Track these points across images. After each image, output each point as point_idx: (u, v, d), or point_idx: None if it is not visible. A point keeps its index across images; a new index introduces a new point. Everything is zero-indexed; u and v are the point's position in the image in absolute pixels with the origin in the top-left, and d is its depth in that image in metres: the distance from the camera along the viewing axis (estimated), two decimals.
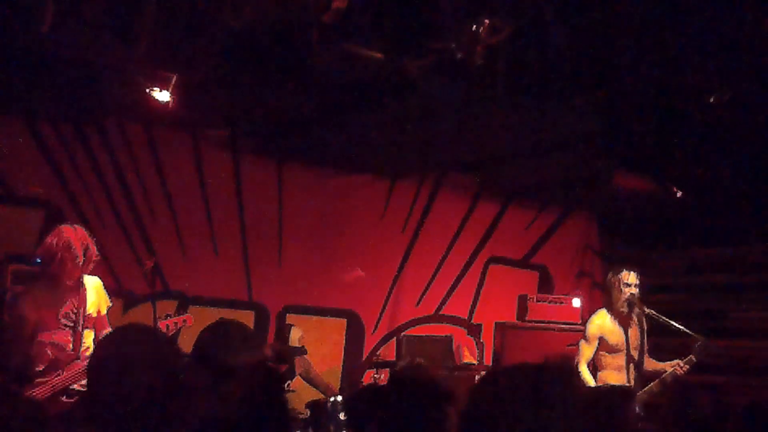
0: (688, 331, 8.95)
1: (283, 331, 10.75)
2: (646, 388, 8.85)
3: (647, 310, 9.12)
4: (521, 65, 7.60)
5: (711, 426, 5.15)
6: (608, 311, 9.27)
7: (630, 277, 9.15)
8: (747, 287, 11.90)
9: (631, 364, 9.07)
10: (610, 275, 9.37)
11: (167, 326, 8.03)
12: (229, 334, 3.66)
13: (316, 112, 9.28)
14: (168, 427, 2.39)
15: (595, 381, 9.05)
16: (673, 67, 7.77)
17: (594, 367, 9.31)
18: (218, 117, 10.10)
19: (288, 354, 10.18)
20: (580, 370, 9.12)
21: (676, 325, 8.97)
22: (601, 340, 9.18)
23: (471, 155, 10.99)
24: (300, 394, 10.19)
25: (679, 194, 10.79)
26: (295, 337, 10.50)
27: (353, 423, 4.92)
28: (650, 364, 9.21)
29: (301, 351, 10.31)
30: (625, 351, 9.08)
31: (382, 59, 7.33)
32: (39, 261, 8.25)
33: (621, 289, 9.15)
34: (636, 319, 9.19)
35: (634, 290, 9.12)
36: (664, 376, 8.88)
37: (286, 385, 9.55)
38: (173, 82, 7.97)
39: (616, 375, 9.09)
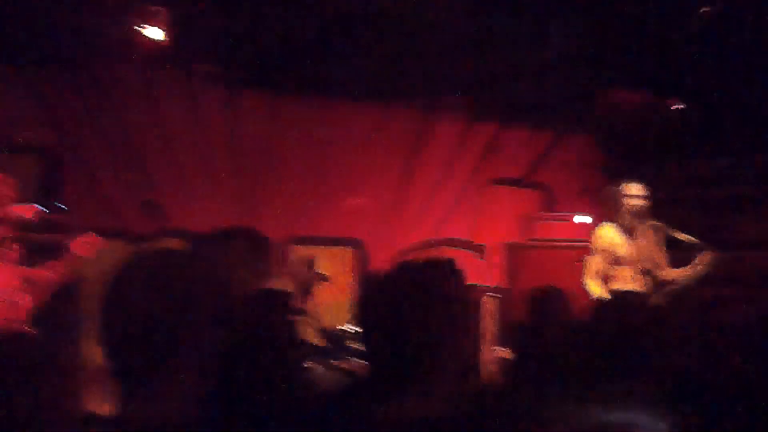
0: (692, 239, 8.95)
1: (304, 262, 10.74)
2: (663, 291, 8.87)
3: (653, 222, 9.11)
4: None
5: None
6: (612, 224, 9.26)
7: (631, 189, 9.12)
8: (750, 199, 11.86)
9: (642, 275, 9.06)
10: (607, 188, 9.34)
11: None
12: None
13: (307, 40, 9.21)
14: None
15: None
16: None
17: (604, 281, 9.31)
18: (209, 52, 10.02)
19: (312, 281, 10.20)
20: (587, 282, 9.14)
21: (682, 235, 8.97)
22: (606, 252, 9.17)
23: (465, 76, 10.92)
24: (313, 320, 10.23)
25: (677, 107, 10.75)
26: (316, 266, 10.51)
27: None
28: (668, 273, 9.19)
29: (323, 277, 10.30)
30: (633, 263, 9.08)
31: None
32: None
33: (621, 201, 9.13)
34: (644, 231, 9.17)
35: (637, 201, 9.09)
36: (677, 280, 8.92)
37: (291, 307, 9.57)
38: (164, 17, 7.90)
39: (625, 287, 9.08)
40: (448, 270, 2.89)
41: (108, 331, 2.36)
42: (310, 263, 9.92)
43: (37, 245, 8.37)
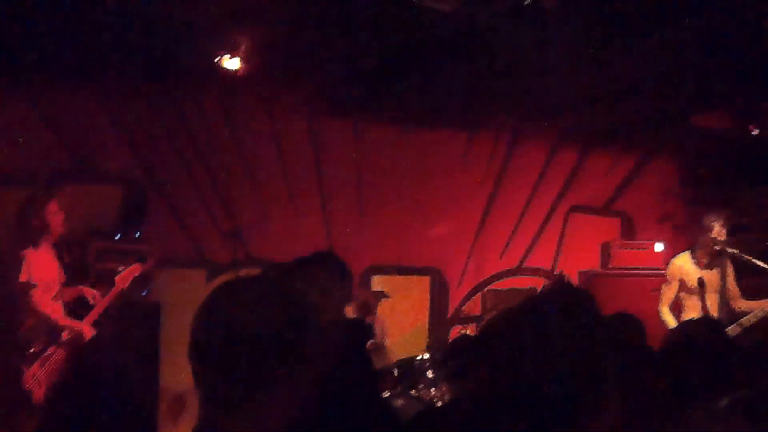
0: None
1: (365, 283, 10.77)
2: (735, 324, 8.76)
3: (731, 250, 9.03)
4: (594, 5, 7.48)
5: None
6: (690, 254, 9.22)
7: (717, 229, 9.06)
8: None
9: (715, 305, 9.00)
10: (703, 220, 9.24)
11: (124, 279, 8.37)
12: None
13: (388, 68, 9.22)
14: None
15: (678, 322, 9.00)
16: (752, 2, 7.61)
17: (678, 310, 9.28)
18: (291, 79, 10.07)
19: (373, 300, 10.21)
20: (661, 310, 9.12)
21: (761, 263, 8.88)
22: (681, 281, 9.15)
23: (547, 103, 10.87)
24: (389, 352, 10.22)
25: (755, 132, 10.64)
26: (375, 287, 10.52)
27: (451, 372, 4.90)
28: (743, 304, 9.11)
29: (383, 295, 10.29)
30: (706, 293, 9.01)
31: (451, 10, 7.26)
32: (119, 237, 8.54)
33: (708, 240, 9.08)
34: (722, 260, 9.09)
35: (720, 244, 9.03)
36: (755, 312, 8.79)
37: (370, 338, 9.58)
38: (243, 46, 7.96)
39: (697, 316, 9.02)
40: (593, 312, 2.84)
41: (201, 360, 2.36)
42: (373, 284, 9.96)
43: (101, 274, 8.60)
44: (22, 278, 7.68)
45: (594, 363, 2.60)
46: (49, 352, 7.68)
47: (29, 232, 7.85)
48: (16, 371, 7.57)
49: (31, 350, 7.63)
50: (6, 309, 7.87)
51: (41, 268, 7.80)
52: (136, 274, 8.62)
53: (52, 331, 7.76)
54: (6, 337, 7.79)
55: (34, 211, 7.87)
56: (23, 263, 7.72)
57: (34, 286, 7.69)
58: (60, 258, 8.11)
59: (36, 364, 7.58)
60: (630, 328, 4.51)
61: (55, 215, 7.92)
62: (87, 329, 7.94)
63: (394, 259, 11.59)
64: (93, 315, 8.08)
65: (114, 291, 8.32)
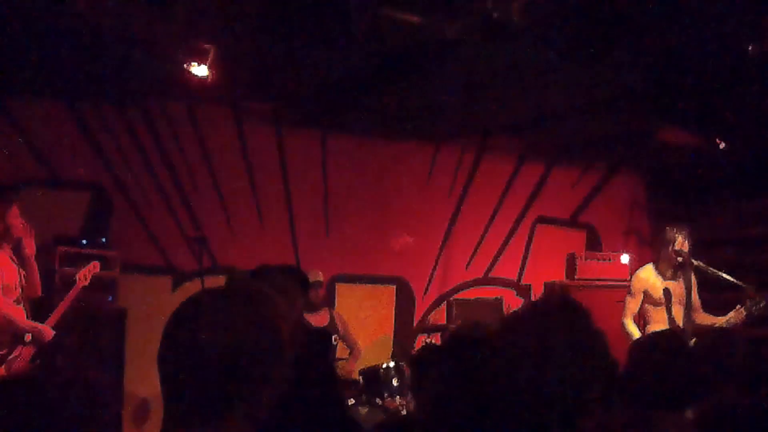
0: (737, 282, 8.89)
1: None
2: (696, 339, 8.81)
3: (695, 262, 9.08)
4: (562, 22, 7.52)
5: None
6: (654, 266, 9.27)
7: (680, 241, 9.10)
8: None
9: (680, 317, 9.04)
10: (665, 232, 9.29)
11: (84, 276, 8.41)
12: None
13: (356, 80, 9.25)
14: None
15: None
16: (713, 19, 7.67)
17: (643, 322, 9.33)
18: (258, 89, 10.08)
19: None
20: (625, 323, 9.17)
21: (725, 276, 8.93)
22: (646, 293, 9.19)
23: (514, 116, 10.92)
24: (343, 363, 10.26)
25: (722, 146, 10.70)
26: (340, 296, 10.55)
27: (415, 382, 4.92)
28: (704, 318, 9.16)
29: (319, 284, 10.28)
30: (670, 305, 9.06)
31: (419, 23, 7.29)
32: (85, 242, 8.56)
33: (670, 252, 9.12)
34: (683, 274, 9.14)
35: (683, 256, 9.08)
36: (717, 326, 8.84)
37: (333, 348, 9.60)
38: (211, 54, 7.96)
39: (662, 328, 9.07)
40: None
41: (170, 368, 2.37)
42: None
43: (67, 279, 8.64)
44: None
45: (581, 383, 2.65)
46: (14, 354, 7.71)
47: None
48: None
49: None
50: None
51: (1, 272, 7.76)
52: (96, 272, 8.63)
53: (15, 333, 7.77)
54: None
55: None
56: None
57: None
58: (19, 263, 8.02)
59: (2, 368, 7.60)
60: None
61: (15, 219, 7.88)
62: (47, 330, 7.93)
63: (360, 269, 11.61)
64: (55, 315, 8.10)
65: (75, 289, 8.34)
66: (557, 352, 2.67)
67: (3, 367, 7.62)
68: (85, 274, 8.47)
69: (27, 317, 7.98)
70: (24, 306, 8.00)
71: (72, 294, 8.32)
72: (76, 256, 9.15)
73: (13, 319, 7.77)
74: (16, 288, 7.93)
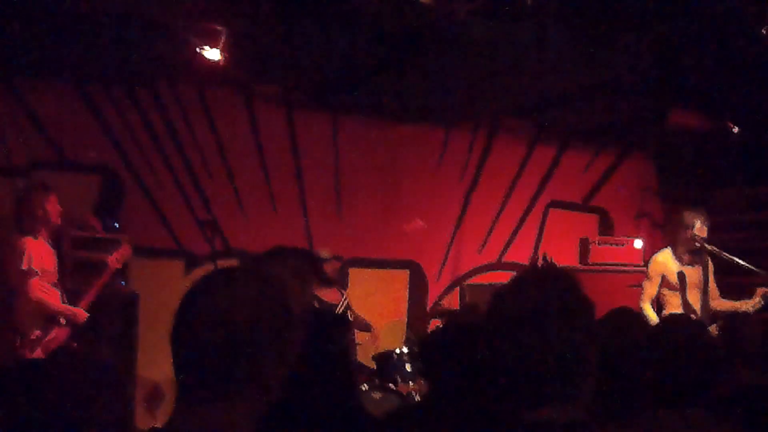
0: (752, 267, 8.85)
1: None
2: (715, 324, 8.76)
3: (709, 247, 9.02)
4: (574, 4, 7.49)
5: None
6: (672, 250, 9.21)
7: (691, 215, 9.05)
8: None
9: (698, 303, 9.00)
10: (683, 216, 9.22)
11: (117, 259, 8.61)
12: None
13: (367, 61, 9.22)
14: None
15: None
16: (726, 1, 7.63)
17: (659, 307, 9.27)
18: (270, 72, 10.06)
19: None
20: (642, 307, 9.12)
21: (738, 261, 8.89)
22: (663, 278, 9.13)
23: (525, 99, 10.89)
24: (365, 346, 10.23)
25: (735, 130, 10.66)
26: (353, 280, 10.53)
27: (427, 367, 4.92)
28: (721, 304, 9.11)
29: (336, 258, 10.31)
30: (686, 290, 9.01)
31: (429, 4, 7.25)
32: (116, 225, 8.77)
33: (687, 235, 9.06)
34: (700, 258, 9.10)
35: (697, 228, 9.02)
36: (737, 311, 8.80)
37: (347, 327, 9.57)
38: (223, 38, 7.94)
39: (677, 312, 9.03)
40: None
41: (181, 349, 2.37)
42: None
43: (87, 262, 8.76)
44: (24, 266, 7.88)
45: (579, 345, 2.64)
46: (50, 336, 7.96)
47: (30, 222, 8.08)
48: (18, 355, 7.85)
49: (33, 336, 7.89)
50: (3, 296, 8.14)
51: (41, 257, 8.02)
52: (128, 255, 8.80)
53: (50, 316, 8.03)
54: (5, 323, 8.04)
55: (37, 203, 8.10)
56: (24, 252, 7.92)
57: (36, 273, 7.91)
58: (56, 247, 8.35)
59: (38, 350, 7.85)
60: (631, 322, 4.51)
61: (53, 207, 8.17)
62: (81, 313, 8.18)
63: (373, 252, 11.60)
64: (88, 297, 8.32)
65: (108, 272, 8.54)
66: (551, 317, 2.66)
67: (40, 348, 7.87)
68: (117, 257, 8.64)
69: (62, 301, 8.23)
70: (60, 289, 8.26)
71: (105, 277, 8.52)
72: (87, 240, 9.19)
73: (48, 302, 8.04)
74: (54, 272, 8.21)
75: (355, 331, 10.18)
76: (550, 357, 2.61)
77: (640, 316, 5.00)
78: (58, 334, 8.04)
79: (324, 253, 10.10)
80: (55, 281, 8.22)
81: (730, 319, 7.35)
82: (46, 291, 8.05)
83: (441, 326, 10.48)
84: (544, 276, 2.91)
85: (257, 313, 2.36)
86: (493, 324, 2.83)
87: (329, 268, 10.14)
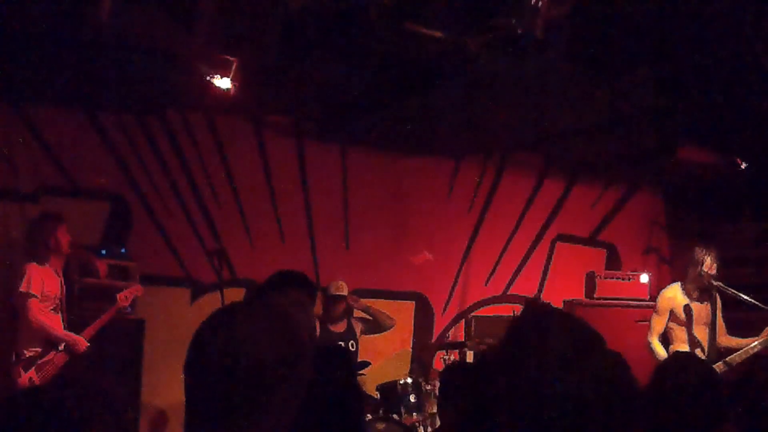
0: (758, 303, 8.84)
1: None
2: (722, 361, 8.74)
3: (716, 283, 9.01)
4: (583, 39, 7.51)
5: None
6: (681, 286, 9.21)
7: (708, 263, 9.04)
8: None
9: (705, 339, 8.99)
10: (694, 253, 9.21)
11: (125, 297, 8.78)
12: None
13: (378, 93, 9.24)
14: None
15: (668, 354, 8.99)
16: (733, 38, 7.65)
17: (666, 341, 9.27)
18: (280, 102, 10.10)
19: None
20: (650, 342, 9.11)
21: (745, 297, 8.88)
22: (672, 313, 9.13)
23: (534, 133, 10.91)
24: (369, 376, 10.22)
25: (743, 166, 10.66)
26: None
27: (444, 399, 4.93)
28: (728, 341, 9.10)
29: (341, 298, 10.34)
30: (693, 325, 9.00)
31: (442, 38, 7.28)
32: (104, 253, 8.82)
33: (697, 271, 9.06)
34: (709, 294, 9.09)
35: (708, 276, 9.01)
36: (742, 351, 8.78)
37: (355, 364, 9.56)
38: (234, 67, 7.97)
39: (686, 348, 9.02)
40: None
41: (197, 377, 2.38)
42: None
43: (96, 290, 8.85)
44: (22, 288, 8.14)
45: (591, 388, 2.63)
46: (46, 358, 8.17)
47: (41, 250, 8.40)
48: (13, 373, 8.12)
49: (28, 355, 8.12)
50: (7, 316, 8.52)
51: (42, 282, 8.25)
52: (138, 295, 8.97)
53: (49, 339, 8.24)
54: (6, 342, 8.36)
55: (49, 232, 8.42)
56: (25, 275, 8.18)
57: (33, 296, 8.14)
58: (64, 275, 8.63)
59: (32, 370, 8.08)
60: (616, 366, 4.51)
61: (64, 236, 8.48)
62: (82, 341, 8.33)
63: (380, 284, 11.59)
64: (91, 329, 8.48)
65: (114, 308, 8.69)
66: (558, 351, 2.65)
67: (33, 369, 8.10)
68: (126, 295, 8.80)
69: (63, 327, 8.45)
70: (62, 317, 8.49)
71: (111, 312, 8.68)
72: (95, 267, 9.23)
73: (48, 326, 8.26)
74: (55, 299, 8.44)
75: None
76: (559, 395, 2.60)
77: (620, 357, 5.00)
78: (55, 358, 8.22)
79: (334, 287, 10.15)
80: (57, 307, 8.42)
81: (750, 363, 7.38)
82: (45, 315, 8.25)
83: (457, 356, 10.53)
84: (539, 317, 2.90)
85: (274, 346, 2.37)
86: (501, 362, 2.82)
87: (335, 308, 10.19)
